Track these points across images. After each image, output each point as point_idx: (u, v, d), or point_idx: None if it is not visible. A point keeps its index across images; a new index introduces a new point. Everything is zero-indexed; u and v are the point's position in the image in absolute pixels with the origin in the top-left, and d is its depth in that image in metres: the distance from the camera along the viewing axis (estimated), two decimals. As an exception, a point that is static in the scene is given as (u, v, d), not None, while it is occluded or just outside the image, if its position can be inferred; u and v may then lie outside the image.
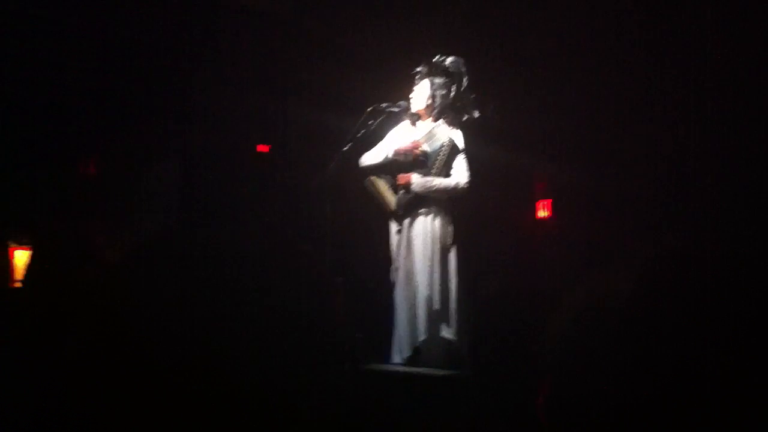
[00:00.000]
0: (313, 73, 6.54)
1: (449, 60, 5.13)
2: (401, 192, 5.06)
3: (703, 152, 5.92)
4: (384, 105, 5.10)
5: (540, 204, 7.16)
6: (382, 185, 5.12)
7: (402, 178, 5.05)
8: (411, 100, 5.12)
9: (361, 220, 5.69)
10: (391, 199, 5.08)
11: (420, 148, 5.07)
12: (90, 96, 6.04)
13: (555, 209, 7.10)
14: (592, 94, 6.48)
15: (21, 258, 4.91)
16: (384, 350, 5.07)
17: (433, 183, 5.03)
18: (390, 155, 5.08)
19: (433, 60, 5.14)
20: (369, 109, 5.06)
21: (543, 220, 7.17)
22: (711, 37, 5.93)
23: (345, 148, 5.02)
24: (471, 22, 6.53)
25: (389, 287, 5.07)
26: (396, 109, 5.12)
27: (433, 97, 5.11)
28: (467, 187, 5.07)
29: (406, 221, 5.05)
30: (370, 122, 5.06)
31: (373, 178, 5.14)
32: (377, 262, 5.22)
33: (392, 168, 5.11)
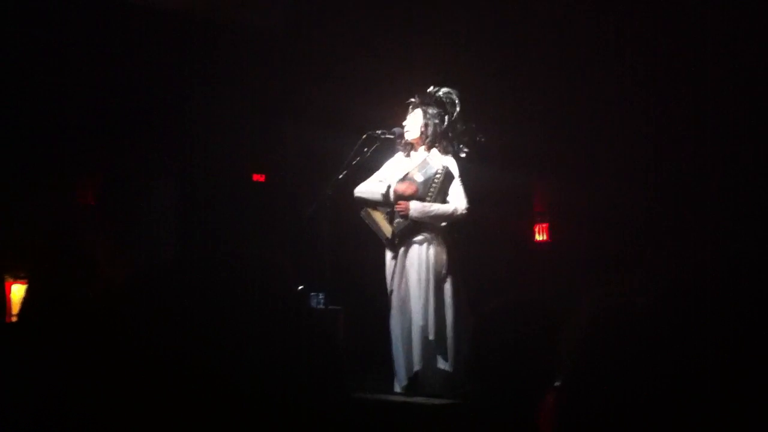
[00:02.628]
0: (311, 97, 6.55)
1: (442, 90, 5.13)
2: (398, 220, 5.04)
3: (703, 164, 5.93)
4: (378, 132, 5.10)
5: (537, 227, 7.17)
6: (378, 215, 5.11)
7: (400, 205, 5.04)
8: (405, 129, 5.10)
9: (359, 247, 5.68)
10: (387, 227, 5.06)
11: (414, 179, 5.06)
12: (87, 120, 6.03)
13: (552, 231, 7.10)
14: (587, 114, 6.50)
15: (17, 292, 4.89)
16: (385, 378, 5.04)
17: (431, 209, 5.02)
18: (391, 196, 5.05)
19: (427, 90, 5.14)
20: (364, 136, 5.07)
21: (541, 242, 7.17)
22: (710, 50, 5.95)
23: (340, 176, 5.03)
24: (468, 44, 6.56)
25: (386, 315, 5.04)
26: (390, 136, 5.12)
27: (426, 126, 5.10)
28: (465, 213, 5.05)
29: (401, 249, 5.02)
30: (365, 149, 5.07)
31: (369, 209, 5.12)
32: (374, 290, 5.20)
33: (387, 200, 5.08)
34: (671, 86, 6.18)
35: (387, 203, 5.08)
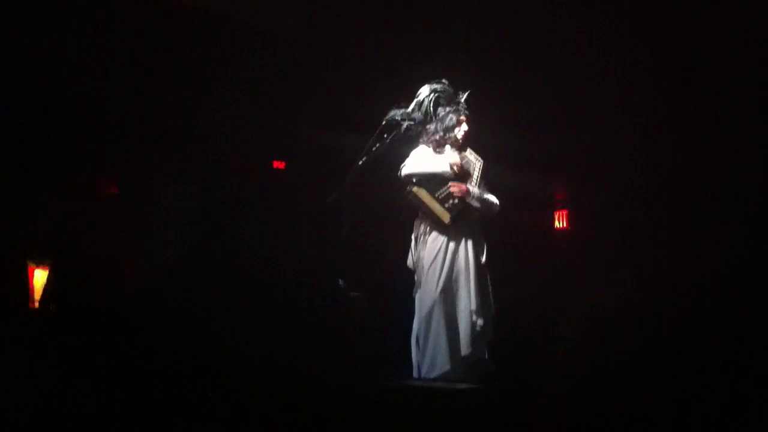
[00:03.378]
0: (327, 90, 6.56)
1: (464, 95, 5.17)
2: (453, 201, 5.05)
3: (717, 161, 5.92)
4: (398, 117, 5.10)
5: (557, 214, 7.17)
6: (426, 195, 5.09)
7: (458, 186, 5.05)
8: (464, 128, 5.14)
9: (380, 233, 5.69)
10: (440, 208, 5.06)
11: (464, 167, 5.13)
12: (108, 116, 6.07)
13: (572, 219, 7.11)
14: (603, 109, 6.50)
15: (40, 278, 4.93)
16: (401, 365, 5.02)
17: (486, 196, 5.12)
18: (447, 170, 5.06)
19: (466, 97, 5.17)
20: (383, 122, 5.07)
21: (560, 230, 7.18)
22: (715, 50, 5.95)
23: (360, 162, 5.03)
24: (486, 43, 6.56)
25: (407, 301, 5.05)
26: (411, 123, 5.12)
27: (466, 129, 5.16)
28: (499, 207, 5.17)
29: (449, 233, 5.03)
30: (384, 135, 5.07)
31: (415, 188, 5.11)
32: (395, 275, 5.21)
33: (437, 180, 5.08)
34: (685, 82, 6.19)
35: (437, 184, 5.07)
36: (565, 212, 7.15)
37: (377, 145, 5.06)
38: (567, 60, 6.57)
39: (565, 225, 7.19)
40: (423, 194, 5.08)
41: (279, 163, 6.81)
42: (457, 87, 5.20)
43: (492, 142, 5.50)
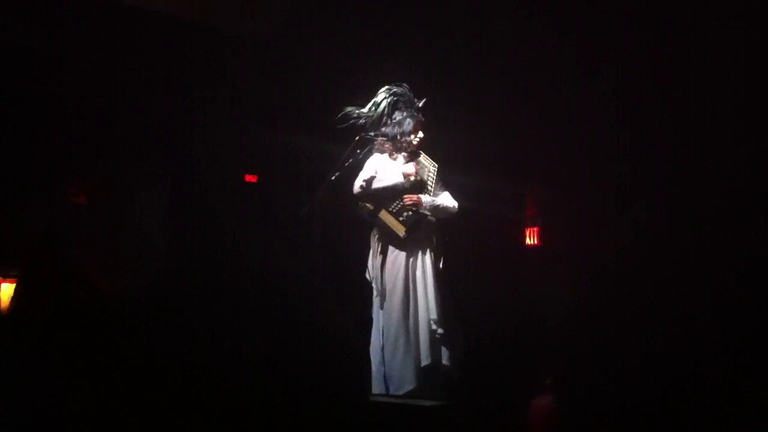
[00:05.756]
0: (300, 99, 6.55)
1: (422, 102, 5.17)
2: (407, 213, 5.05)
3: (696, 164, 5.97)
4: (372, 133, 5.11)
5: (528, 230, 7.19)
6: (384, 212, 5.08)
7: (411, 198, 5.04)
8: (418, 135, 5.12)
9: (351, 246, 5.68)
10: (395, 221, 5.05)
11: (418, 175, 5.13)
12: (76, 124, 6.01)
13: (543, 234, 7.13)
14: (578, 119, 6.53)
15: (6, 291, 4.87)
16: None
17: (439, 203, 5.12)
18: (398, 180, 5.05)
19: (421, 104, 5.16)
20: (356, 138, 5.08)
21: (531, 246, 7.20)
22: (698, 54, 6.00)
23: (333, 177, 5.02)
24: (463, 51, 6.58)
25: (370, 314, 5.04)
26: (383, 138, 5.13)
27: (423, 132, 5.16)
28: (457, 210, 5.17)
29: (405, 245, 5.03)
30: (357, 151, 5.08)
31: (368, 203, 5.10)
32: (368, 290, 5.20)
33: (391, 193, 5.08)
34: (659, 92, 6.23)
35: (391, 197, 5.07)
36: (536, 229, 7.17)
37: (350, 159, 5.07)
38: (536, 75, 6.60)
39: (536, 242, 7.21)
40: (376, 209, 5.09)
41: (251, 176, 6.79)
42: (421, 94, 5.19)
43: (461, 152, 5.54)
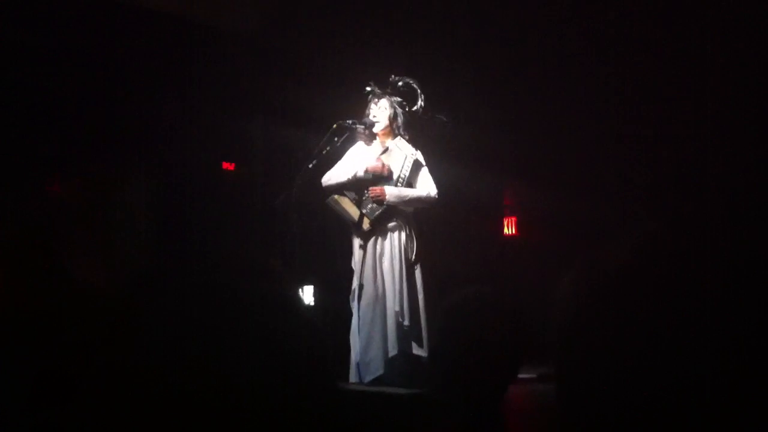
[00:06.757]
0: (278, 91, 6.53)
1: (405, 80, 5.14)
2: (371, 206, 5.04)
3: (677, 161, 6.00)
4: (349, 122, 5.09)
5: (506, 220, 7.22)
6: (347, 202, 5.08)
7: (375, 190, 5.03)
8: (374, 120, 5.10)
9: (329, 236, 5.68)
10: (356, 211, 5.04)
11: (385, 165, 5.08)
12: (58, 117, 5.97)
13: (520, 225, 7.15)
14: (560, 109, 6.55)
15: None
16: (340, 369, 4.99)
17: (407, 193, 5.06)
18: (360, 174, 5.03)
19: (390, 80, 5.14)
20: (334, 126, 5.06)
21: (509, 236, 7.22)
22: (676, 51, 6.02)
23: (310, 165, 5.02)
24: (444, 44, 6.59)
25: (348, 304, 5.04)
26: (361, 126, 5.11)
27: (394, 115, 5.11)
28: (437, 198, 5.12)
29: (373, 236, 5.03)
30: (335, 139, 5.06)
31: (336, 196, 5.10)
32: (344, 279, 5.20)
33: (357, 185, 5.08)
34: (638, 88, 6.26)
35: (359, 188, 5.07)
36: (514, 219, 7.19)
37: (327, 148, 5.06)
38: (518, 68, 6.62)
39: (514, 232, 7.23)
40: (343, 201, 5.08)
41: (229, 164, 6.78)
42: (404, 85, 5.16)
43: (441, 146, 5.54)
